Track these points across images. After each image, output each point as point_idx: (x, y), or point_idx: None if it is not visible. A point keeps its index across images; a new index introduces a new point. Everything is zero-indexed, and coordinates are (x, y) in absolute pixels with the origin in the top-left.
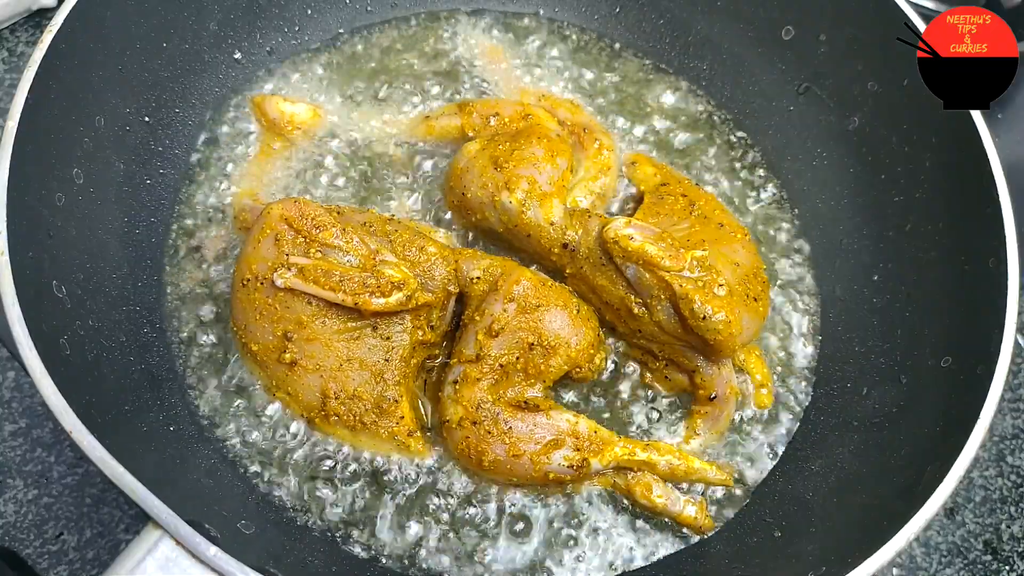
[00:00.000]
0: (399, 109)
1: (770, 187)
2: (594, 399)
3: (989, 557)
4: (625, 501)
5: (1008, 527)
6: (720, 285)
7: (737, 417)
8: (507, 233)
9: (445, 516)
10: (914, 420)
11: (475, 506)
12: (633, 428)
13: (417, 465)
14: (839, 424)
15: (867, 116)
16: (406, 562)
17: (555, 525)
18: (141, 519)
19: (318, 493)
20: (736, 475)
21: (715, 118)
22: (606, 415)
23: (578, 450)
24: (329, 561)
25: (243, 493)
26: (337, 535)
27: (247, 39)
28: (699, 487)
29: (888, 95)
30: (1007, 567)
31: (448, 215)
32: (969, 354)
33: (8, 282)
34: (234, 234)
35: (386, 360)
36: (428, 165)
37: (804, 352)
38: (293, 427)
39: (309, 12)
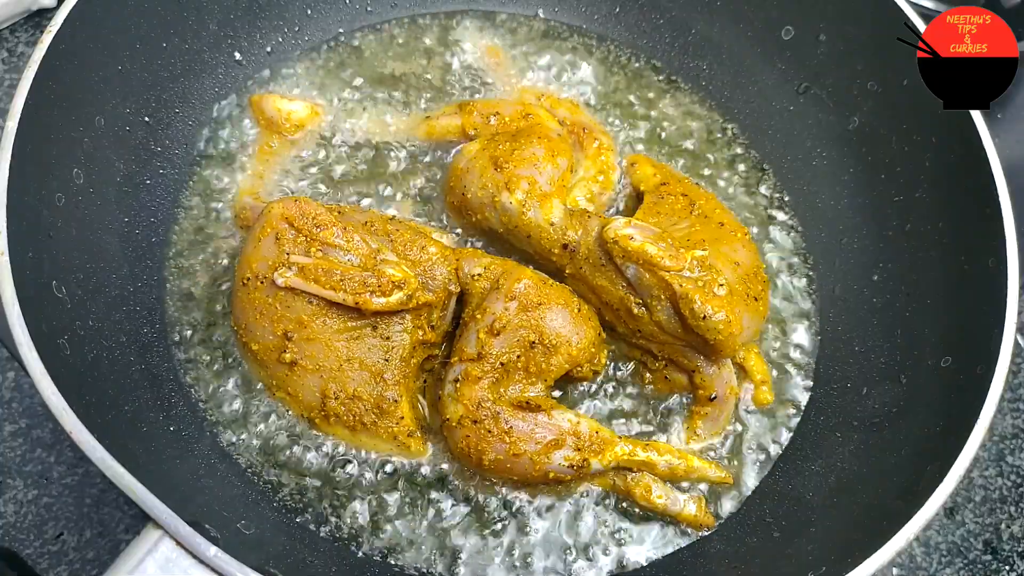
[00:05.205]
0: (399, 109)
1: (770, 187)
2: (594, 398)
3: (989, 557)
4: (624, 501)
5: (1008, 527)
6: (720, 285)
7: (737, 417)
8: (507, 233)
9: (444, 516)
10: (914, 420)
11: (474, 506)
12: (633, 428)
13: (417, 465)
14: (839, 424)
15: (867, 116)
16: (405, 561)
17: (555, 525)
18: (141, 519)
19: (318, 493)
20: (735, 475)
21: (715, 118)
22: (606, 415)
23: (579, 450)
24: (329, 561)
25: (243, 493)
26: (337, 535)
27: (247, 39)
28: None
29: (888, 95)
30: (1007, 567)
31: (448, 215)
32: (969, 354)
33: (8, 282)
34: (234, 233)
35: (386, 360)
36: (428, 165)
37: (804, 352)
38: (293, 427)
39: (309, 12)
